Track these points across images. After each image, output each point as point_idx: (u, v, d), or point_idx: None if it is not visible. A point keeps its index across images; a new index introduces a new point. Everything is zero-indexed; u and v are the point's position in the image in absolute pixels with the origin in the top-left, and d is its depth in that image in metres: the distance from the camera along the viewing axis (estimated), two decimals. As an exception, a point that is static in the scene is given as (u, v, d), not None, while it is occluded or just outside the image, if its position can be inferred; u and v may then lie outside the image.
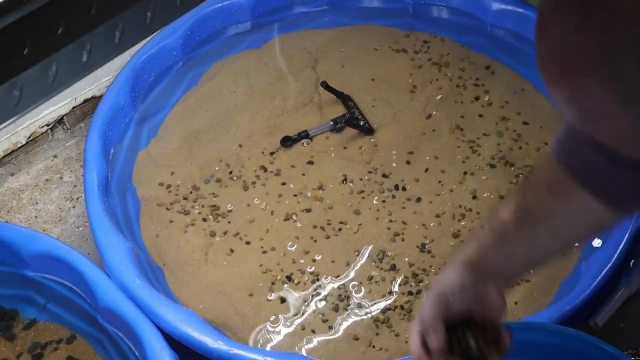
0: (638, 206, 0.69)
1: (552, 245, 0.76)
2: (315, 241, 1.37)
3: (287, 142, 1.53)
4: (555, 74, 0.49)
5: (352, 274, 1.33)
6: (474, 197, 1.42)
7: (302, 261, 1.35)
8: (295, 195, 1.45)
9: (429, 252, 1.35)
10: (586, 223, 0.73)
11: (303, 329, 1.26)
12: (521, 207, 0.74)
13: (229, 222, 1.41)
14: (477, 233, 0.78)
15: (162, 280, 1.33)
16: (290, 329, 1.26)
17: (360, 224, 1.39)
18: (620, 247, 1.22)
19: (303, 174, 1.48)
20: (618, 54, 0.44)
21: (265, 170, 1.49)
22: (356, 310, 1.28)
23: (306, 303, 1.29)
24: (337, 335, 1.25)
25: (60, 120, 1.64)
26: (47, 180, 1.59)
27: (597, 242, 1.32)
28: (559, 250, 0.78)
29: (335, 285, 1.31)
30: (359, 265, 1.34)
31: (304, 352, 1.23)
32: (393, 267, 1.33)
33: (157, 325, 1.17)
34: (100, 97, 1.56)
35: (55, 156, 1.63)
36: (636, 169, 0.63)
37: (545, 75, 0.50)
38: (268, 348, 1.23)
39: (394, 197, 1.43)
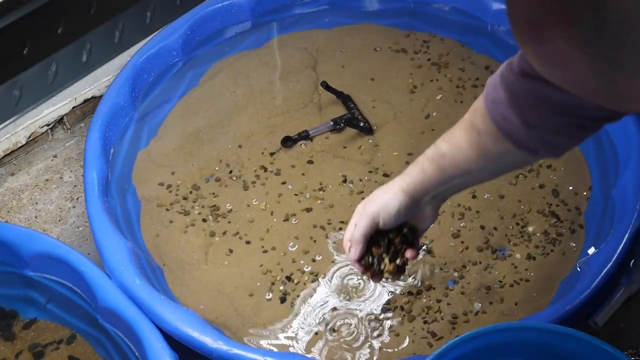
0: (550, 154, 0.84)
1: (482, 176, 0.93)
2: (315, 241, 1.38)
3: (287, 142, 1.53)
4: (525, 30, 0.55)
5: (352, 274, 1.33)
6: (474, 197, 1.42)
7: (302, 261, 1.35)
8: (295, 195, 1.45)
9: (429, 252, 1.35)
10: (512, 161, 0.88)
11: (303, 328, 1.26)
12: (456, 146, 0.89)
13: (229, 222, 1.41)
14: (419, 164, 0.91)
15: (162, 280, 1.33)
16: (290, 329, 1.26)
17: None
18: (620, 247, 1.22)
19: (303, 174, 1.48)
20: (573, 3, 0.50)
21: (265, 170, 1.49)
22: (356, 310, 1.28)
23: (306, 303, 1.29)
24: (337, 334, 1.25)
25: (60, 120, 1.64)
26: (47, 180, 1.59)
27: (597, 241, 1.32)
28: (490, 178, 0.96)
29: (335, 285, 1.31)
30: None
31: (303, 352, 1.23)
32: (393, 267, 1.33)
33: (157, 325, 1.17)
34: (100, 97, 1.56)
35: (55, 156, 1.64)
36: (546, 128, 0.80)
37: (518, 35, 0.56)
38: (268, 348, 1.23)
39: (394, 197, 1.43)
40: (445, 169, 0.90)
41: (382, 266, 0.96)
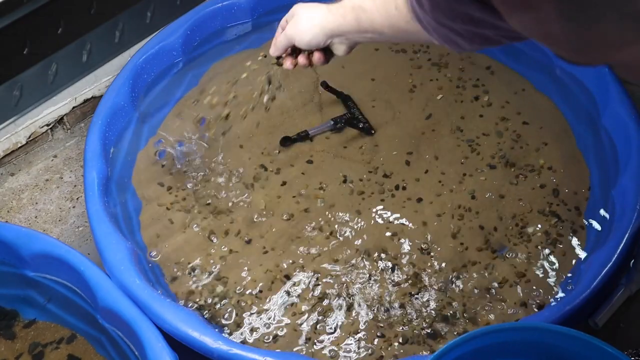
0: (452, 49, 0.90)
1: (394, 40, 1.05)
2: (315, 241, 1.38)
3: (287, 142, 1.53)
4: None
5: (352, 274, 1.33)
6: (474, 197, 1.42)
7: (301, 261, 1.35)
8: (295, 196, 1.45)
9: (429, 252, 1.35)
10: (420, 39, 0.94)
11: (303, 328, 1.26)
12: (376, 8, 0.98)
13: (229, 222, 1.41)
14: (343, 8, 1.02)
15: (162, 280, 1.33)
16: (291, 329, 1.26)
17: (360, 224, 1.39)
18: (620, 247, 1.22)
19: (303, 174, 1.48)
20: None
21: (265, 170, 1.49)
22: (357, 310, 1.28)
23: (306, 302, 1.29)
24: (337, 334, 1.25)
25: (60, 120, 1.64)
26: (47, 180, 1.59)
27: (597, 241, 1.32)
28: (402, 42, 1.08)
29: (336, 285, 1.31)
30: (359, 265, 1.34)
31: (304, 352, 1.23)
32: (393, 267, 1.33)
33: (157, 325, 1.17)
34: (100, 97, 1.56)
35: (55, 156, 1.64)
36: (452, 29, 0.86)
37: None
38: (268, 348, 1.23)
39: (394, 197, 1.43)
40: (362, 23, 1.01)
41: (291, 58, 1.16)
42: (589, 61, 0.67)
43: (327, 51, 1.11)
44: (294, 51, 1.14)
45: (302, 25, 1.08)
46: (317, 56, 1.12)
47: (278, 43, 1.14)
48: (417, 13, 0.89)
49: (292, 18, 1.10)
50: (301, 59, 1.13)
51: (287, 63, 1.15)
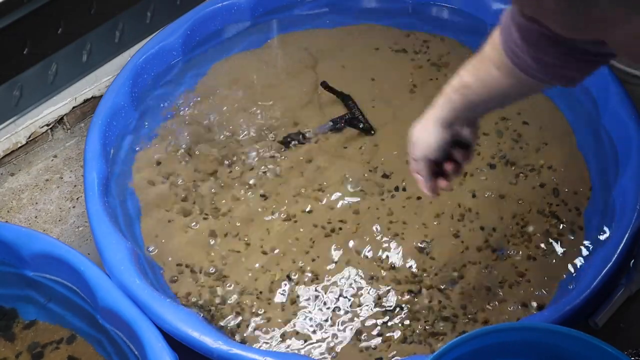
0: (565, 85, 0.91)
1: (504, 101, 1.04)
2: (315, 241, 1.38)
3: (287, 142, 1.53)
4: None
5: (352, 274, 1.33)
6: (474, 197, 1.42)
7: (301, 261, 1.35)
8: (295, 195, 1.45)
9: (429, 252, 1.35)
10: (527, 88, 0.96)
11: (303, 328, 1.26)
12: (478, 78, 0.97)
13: (229, 222, 1.41)
14: (446, 95, 1.01)
15: (162, 280, 1.33)
16: (291, 329, 1.26)
17: (360, 224, 1.39)
18: (620, 247, 1.22)
19: (303, 174, 1.48)
20: None
21: (265, 170, 1.49)
22: (356, 310, 1.28)
23: (306, 303, 1.29)
24: (337, 335, 1.25)
25: (60, 120, 1.64)
26: (47, 180, 1.59)
27: (599, 239, 1.32)
28: (516, 100, 1.06)
29: (336, 285, 1.31)
30: (359, 265, 1.34)
31: (303, 352, 1.23)
32: (393, 267, 1.33)
33: (157, 325, 1.17)
34: (100, 97, 1.56)
35: (55, 156, 1.64)
36: (555, 58, 0.86)
37: None
38: (268, 348, 1.23)
39: (393, 197, 1.43)
40: (470, 99, 0.99)
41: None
42: (588, 37, 0.68)
43: (461, 145, 1.07)
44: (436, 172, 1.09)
45: (421, 137, 1.05)
46: (457, 154, 1.07)
47: (422, 174, 1.08)
48: (518, 64, 0.88)
49: (412, 144, 1.06)
50: (447, 166, 1.08)
51: (442, 184, 1.09)
